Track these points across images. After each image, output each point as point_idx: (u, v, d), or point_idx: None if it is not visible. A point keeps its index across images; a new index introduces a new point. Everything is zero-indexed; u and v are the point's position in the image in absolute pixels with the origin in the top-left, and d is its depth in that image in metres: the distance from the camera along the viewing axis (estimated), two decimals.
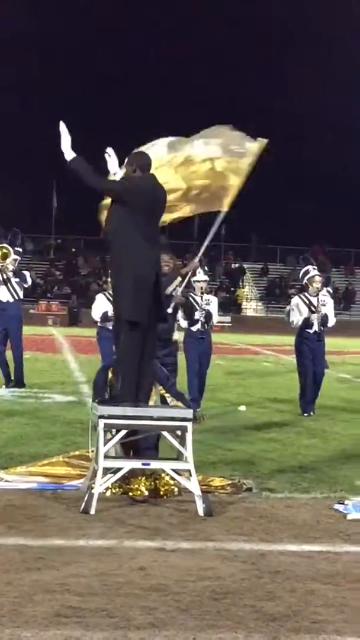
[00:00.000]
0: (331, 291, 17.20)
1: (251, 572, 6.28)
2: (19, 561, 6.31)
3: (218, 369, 15.00)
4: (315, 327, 14.86)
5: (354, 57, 63.13)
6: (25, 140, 61.38)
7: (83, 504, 7.78)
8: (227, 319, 51.89)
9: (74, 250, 68.33)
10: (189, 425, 8.11)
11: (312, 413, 14.62)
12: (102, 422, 8.05)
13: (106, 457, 8.06)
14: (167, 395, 9.03)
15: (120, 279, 8.42)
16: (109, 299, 14.83)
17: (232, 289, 64.79)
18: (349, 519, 7.80)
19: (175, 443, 8.18)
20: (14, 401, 15.13)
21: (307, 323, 14.83)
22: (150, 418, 8.23)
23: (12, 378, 17.18)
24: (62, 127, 8.50)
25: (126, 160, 8.61)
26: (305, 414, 14.55)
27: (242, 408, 14.95)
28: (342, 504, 8.20)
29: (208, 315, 14.84)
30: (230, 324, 50.33)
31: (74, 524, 7.39)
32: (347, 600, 5.76)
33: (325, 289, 15.45)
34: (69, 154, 8.42)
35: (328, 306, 15.11)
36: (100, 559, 6.44)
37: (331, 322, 15.07)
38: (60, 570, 6.12)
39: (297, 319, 14.93)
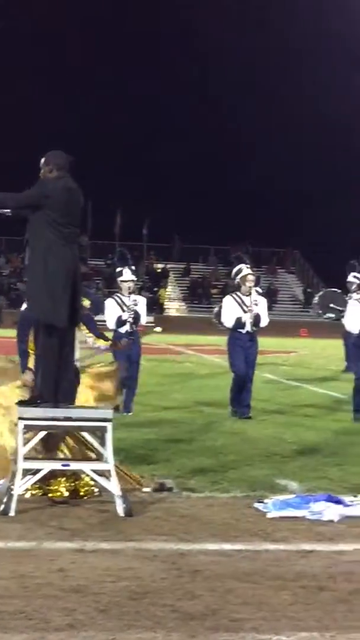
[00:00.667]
0: (261, 291, 16.83)
1: (171, 571, 6.28)
2: None
3: (141, 369, 14.94)
4: (248, 327, 14.52)
5: None
6: None
7: (2, 506, 7.72)
8: (151, 319, 51.90)
9: None
10: (109, 425, 8.09)
11: (246, 416, 14.26)
12: (21, 423, 8.00)
13: (26, 458, 8.01)
14: None
15: (37, 280, 8.36)
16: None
17: (155, 289, 64.83)
18: (269, 518, 7.85)
19: (96, 444, 8.16)
20: None
21: (239, 323, 14.51)
22: (70, 419, 8.19)
23: None
24: None
25: (42, 161, 8.56)
26: (238, 417, 14.24)
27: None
28: (262, 502, 8.24)
29: (136, 316, 14.72)
30: (153, 324, 50.31)
31: None
32: (265, 598, 5.79)
33: (254, 288, 15.08)
34: None
35: (261, 306, 14.75)
36: (19, 560, 6.39)
37: (264, 322, 14.68)
38: None
39: (229, 318, 14.59)
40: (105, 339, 11.17)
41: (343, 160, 62.51)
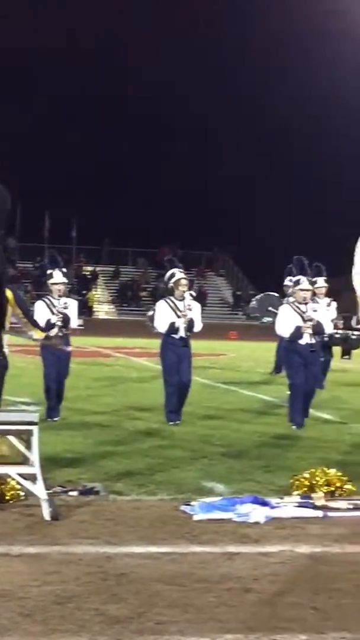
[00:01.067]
0: (194, 294, 16.55)
1: (96, 575, 6.27)
2: None
3: (70, 372, 14.85)
4: (182, 333, 14.33)
5: None
6: None
7: None
8: (80, 321, 51.84)
9: None
10: (35, 429, 8.04)
11: (177, 422, 14.08)
12: None
13: None
14: None
15: None
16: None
17: (84, 292, 64.64)
18: (195, 520, 7.86)
19: (21, 447, 8.10)
20: None
21: (172, 328, 14.31)
22: None
23: None
24: None
25: None
26: (171, 423, 14.03)
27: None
28: (189, 505, 8.26)
29: (66, 319, 14.42)
30: (82, 327, 50.22)
31: None
32: (191, 600, 5.80)
33: (188, 292, 14.94)
34: None
35: (195, 310, 14.56)
36: None
37: (197, 327, 14.53)
38: None
39: (162, 323, 14.39)
40: (41, 329, 11.07)
41: (280, 162, 62.87)
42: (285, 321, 14.45)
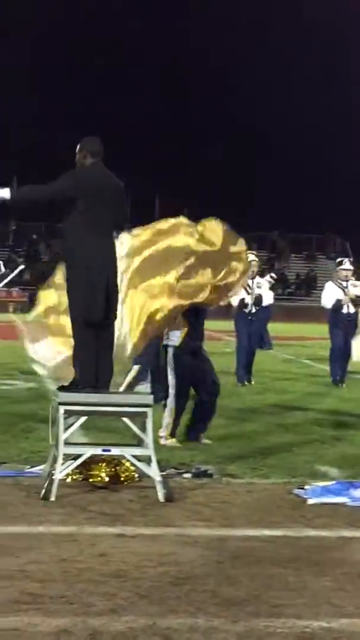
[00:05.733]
0: (275, 276, 22.12)
1: (211, 557, 6.29)
2: None
3: None
4: (251, 307, 17.03)
5: None
6: None
7: (43, 491, 7.75)
8: None
9: (34, 236, 68.05)
10: (149, 411, 8.10)
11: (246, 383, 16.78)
12: (62, 409, 8.02)
13: (66, 443, 8.03)
14: None
15: (72, 273, 8.32)
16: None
17: None
18: (309, 504, 7.83)
19: (136, 429, 8.17)
20: None
21: (242, 303, 16.92)
22: (111, 404, 8.21)
23: None
24: None
25: (77, 147, 8.50)
26: (239, 384, 16.65)
27: None
28: (302, 489, 8.23)
29: None
30: None
31: (34, 510, 7.36)
32: (306, 584, 5.78)
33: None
34: (5, 194, 8.45)
35: (263, 288, 17.68)
36: (60, 545, 6.42)
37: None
38: (19, 557, 6.10)
39: (234, 299, 16.30)
40: None
41: None
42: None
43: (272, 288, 25.69)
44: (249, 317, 17.11)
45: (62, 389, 8.37)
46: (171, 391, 10.58)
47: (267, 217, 61.13)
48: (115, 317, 8.50)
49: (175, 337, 10.53)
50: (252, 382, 16.99)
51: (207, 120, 63.83)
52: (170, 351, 10.55)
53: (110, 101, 62.32)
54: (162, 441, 10.24)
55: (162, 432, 10.41)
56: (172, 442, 10.34)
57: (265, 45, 63.37)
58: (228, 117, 63.57)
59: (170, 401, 10.58)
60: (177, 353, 10.54)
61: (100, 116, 54.39)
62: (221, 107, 63.85)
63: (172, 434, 10.48)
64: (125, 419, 8.23)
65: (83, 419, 8.22)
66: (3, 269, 18.34)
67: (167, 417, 10.53)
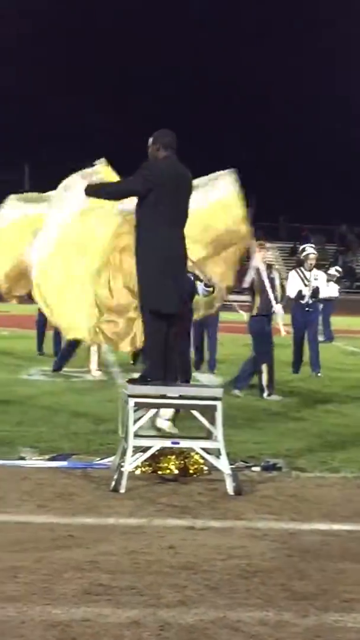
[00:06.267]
0: (340, 270, 21.91)
1: (281, 551, 6.27)
2: (49, 539, 6.33)
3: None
4: (307, 299, 17.09)
5: None
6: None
7: (113, 483, 7.78)
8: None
9: None
10: (219, 404, 8.09)
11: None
12: (132, 401, 8.04)
13: (136, 436, 8.06)
14: None
15: (143, 264, 8.34)
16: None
17: None
18: None
19: (205, 422, 8.16)
20: (45, 380, 15.17)
21: (300, 295, 17.00)
22: (180, 397, 8.22)
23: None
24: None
25: (150, 140, 8.54)
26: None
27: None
28: None
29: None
30: None
31: (104, 502, 7.40)
32: None
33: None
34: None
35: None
36: (130, 537, 6.45)
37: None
38: (90, 548, 6.14)
39: (292, 290, 16.61)
40: None
41: None
42: None
43: (337, 281, 25.69)
44: (306, 309, 17.19)
45: (131, 381, 8.40)
46: None
47: (335, 211, 60.70)
48: (184, 311, 8.55)
49: None
50: (320, 374, 16.89)
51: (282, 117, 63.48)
52: None
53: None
54: (162, 423, 10.33)
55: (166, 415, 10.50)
56: (169, 427, 10.38)
57: None
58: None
59: None
60: None
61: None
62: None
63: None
64: (195, 412, 8.23)
65: (153, 411, 8.24)
66: None
67: None
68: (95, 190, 8.71)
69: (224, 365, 17.09)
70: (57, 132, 57.58)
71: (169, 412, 10.15)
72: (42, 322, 18.26)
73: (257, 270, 13.81)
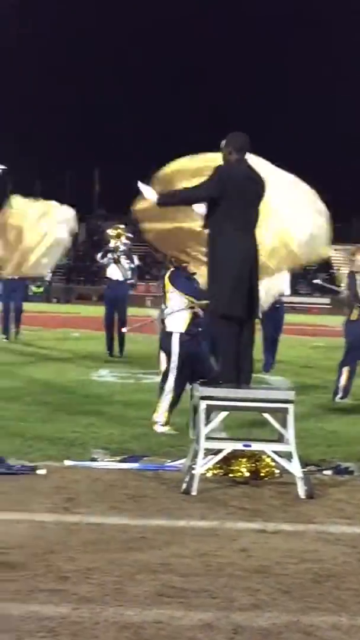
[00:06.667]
0: None
1: (353, 555, 6.23)
2: (121, 541, 6.36)
3: None
4: None
5: None
6: None
7: (184, 485, 7.80)
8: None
9: None
10: (291, 407, 8.06)
11: None
12: (203, 404, 8.05)
13: (207, 438, 8.06)
14: None
15: (215, 270, 8.36)
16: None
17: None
18: None
19: (277, 425, 8.14)
20: (114, 382, 15.24)
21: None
22: (252, 400, 8.21)
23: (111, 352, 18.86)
24: (141, 186, 8.88)
25: (223, 143, 8.54)
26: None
27: None
28: None
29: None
30: (330, 305, 50.19)
31: (175, 504, 7.42)
32: None
33: None
34: (153, 199, 8.77)
35: None
36: (202, 539, 6.45)
37: None
38: (162, 550, 6.15)
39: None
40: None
41: None
42: None
43: None
44: None
45: (203, 384, 8.41)
46: (171, 376, 10.62)
47: None
48: (257, 316, 8.57)
49: (180, 323, 10.65)
50: None
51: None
52: (176, 337, 10.60)
53: None
54: (158, 428, 10.35)
55: (159, 418, 10.54)
56: (167, 429, 10.39)
57: None
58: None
59: (169, 386, 10.62)
60: (183, 338, 10.61)
61: None
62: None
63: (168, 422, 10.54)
64: (267, 415, 8.21)
65: (224, 414, 8.24)
66: (136, 262, 19.17)
67: (164, 402, 10.59)
68: (169, 198, 8.76)
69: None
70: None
71: (162, 417, 10.25)
72: (110, 323, 18.54)
73: (352, 275, 13.81)
